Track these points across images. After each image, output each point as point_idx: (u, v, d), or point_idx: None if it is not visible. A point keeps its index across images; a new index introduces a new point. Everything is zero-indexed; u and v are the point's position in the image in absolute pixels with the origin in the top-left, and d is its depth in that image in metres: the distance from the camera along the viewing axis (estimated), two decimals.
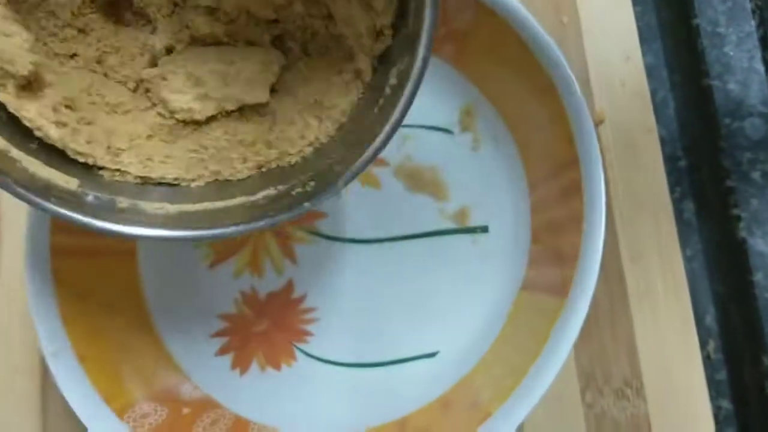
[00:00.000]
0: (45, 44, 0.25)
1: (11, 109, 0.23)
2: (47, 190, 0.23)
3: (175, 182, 0.26)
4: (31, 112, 0.23)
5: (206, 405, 0.33)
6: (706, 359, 0.35)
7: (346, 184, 0.23)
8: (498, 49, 0.33)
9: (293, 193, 0.24)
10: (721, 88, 0.35)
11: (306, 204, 0.23)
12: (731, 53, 0.36)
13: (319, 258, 0.36)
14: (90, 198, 0.24)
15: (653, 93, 0.38)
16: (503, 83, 0.34)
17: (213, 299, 0.36)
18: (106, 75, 0.27)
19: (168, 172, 0.26)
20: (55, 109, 0.24)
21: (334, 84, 0.26)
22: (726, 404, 0.35)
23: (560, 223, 0.31)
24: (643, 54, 0.38)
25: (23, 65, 0.23)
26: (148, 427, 0.31)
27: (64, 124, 0.24)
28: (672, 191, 0.37)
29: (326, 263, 0.36)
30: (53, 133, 0.24)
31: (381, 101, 0.24)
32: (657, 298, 0.35)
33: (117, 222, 0.23)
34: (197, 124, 0.27)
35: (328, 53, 0.27)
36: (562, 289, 0.29)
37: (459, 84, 0.35)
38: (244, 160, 0.26)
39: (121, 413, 0.31)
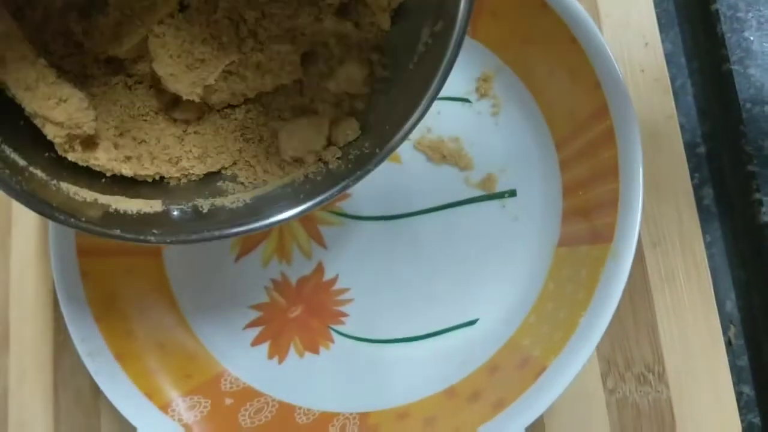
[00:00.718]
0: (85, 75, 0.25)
1: (81, 163, 0.24)
2: (144, 224, 0.24)
3: (234, 169, 0.26)
4: (101, 159, 0.24)
5: (248, 394, 0.34)
6: (728, 345, 0.35)
7: (384, 158, 0.22)
8: (515, 10, 0.33)
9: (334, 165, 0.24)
10: (741, 72, 0.35)
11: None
12: (751, 38, 0.36)
13: (348, 238, 0.36)
14: (175, 213, 0.25)
15: (672, 80, 0.38)
16: (521, 45, 0.34)
17: (243, 290, 0.36)
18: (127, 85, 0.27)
19: (225, 160, 0.26)
20: (116, 146, 0.25)
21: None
22: (748, 390, 0.35)
23: (593, 174, 0.31)
24: (662, 41, 0.38)
25: (89, 125, 0.23)
26: (193, 420, 0.32)
27: (129, 158, 0.25)
28: (691, 178, 0.37)
29: (355, 243, 0.36)
30: (126, 170, 0.24)
31: (411, 67, 0.23)
32: (678, 283, 0.35)
33: (215, 226, 0.23)
34: (231, 107, 0.27)
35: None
36: (605, 236, 0.29)
37: (475, 52, 0.36)
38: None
39: (164, 408, 0.32)
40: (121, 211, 0.23)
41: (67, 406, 0.37)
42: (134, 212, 0.24)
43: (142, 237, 0.22)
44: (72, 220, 0.21)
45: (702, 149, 0.38)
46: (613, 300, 0.28)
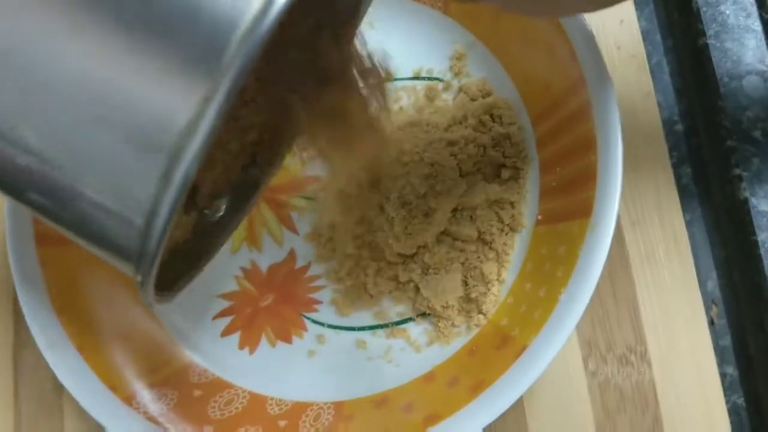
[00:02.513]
0: None
1: None
2: None
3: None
4: None
5: (218, 386, 0.32)
6: (710, 325, 0.34)
7: None
8: None
9: None
10: (718, 47, 0.35)
11: None
12: (727, 12, 0.35)
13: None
14: None
15: (647, 58, 0.37)
16: (495, 20, 0.34)
17: (212, 279, 0.35)
18: None
19: None
20: None
21: None
22: (731, 371, 0.35)
23: (571, 149, 0.30)
24: (637, 18, 0.37)
25: None
26: (159, 412, 0.30)
27: None
28: (669, 156, 0.36)
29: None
30: None
31: None
32: (659, 261, 0.34)
33: None
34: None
35: None
36: (584, 211, 0.28)
37: (447, 29, 0.35)
38: None
39: (129, 401, 0.30)
40: None
41: (29, 407, 0.36)
42: None
43: None
44: None
45: (679, 127, 0.37)
46: (593, 273, 0.27)
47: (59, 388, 0.36)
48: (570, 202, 0.30)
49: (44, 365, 0.30)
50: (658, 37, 0.38)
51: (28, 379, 0.36)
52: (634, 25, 0.37)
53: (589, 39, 0.29)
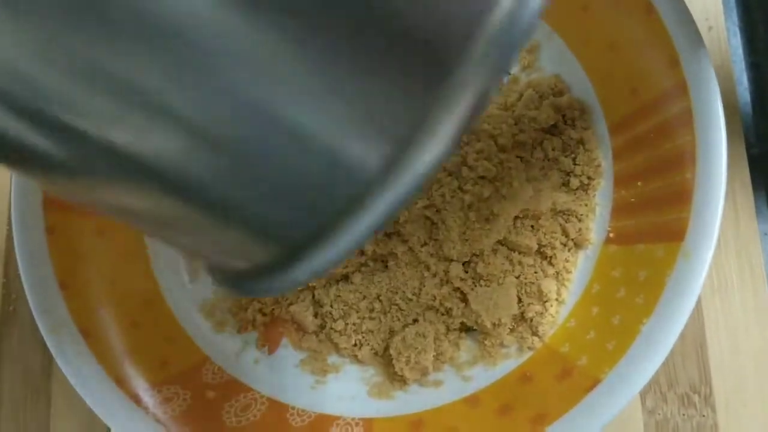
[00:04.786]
0: None
1: None
2: None
3: None
4: None
5: (234, 388, 0.29)
6: None
7: None
8: None
9: None
10: None
11: None
12: None
13: None
14: None
15: None
16: (578, 11, 0.30)
17: None
18: None
19: None
20: None
21: None
22: None
23: (659, 163, 0.27)
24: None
25: None
26: (171, 414, 0.26)
27: None
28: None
29: None
30: None
31: None
32: (731, 293, 0.31)
33: None
34: None
35: None
36: (673, 234, 0.25)
37: None
38: None
39: (135, 398, 0.26)
40: None
41: (13, 390, 0.32)
42: None
43: None
44: None
45: (755, 150, 0.34)
46: (686, 305, 0.24)
47: (48, 371, 0.32)
48: (653, 222, 0.27)
49: (32, 344, 0.27)
50: (740, 50, 0.35)
51: (13, 352, 0.32)
52: (723, 33, 0.34)
53: (696, 40, 0.26)
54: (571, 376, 0.26)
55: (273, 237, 0.15)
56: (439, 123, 0.13)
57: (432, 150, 0.13)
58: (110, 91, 0.12)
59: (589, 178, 0.30)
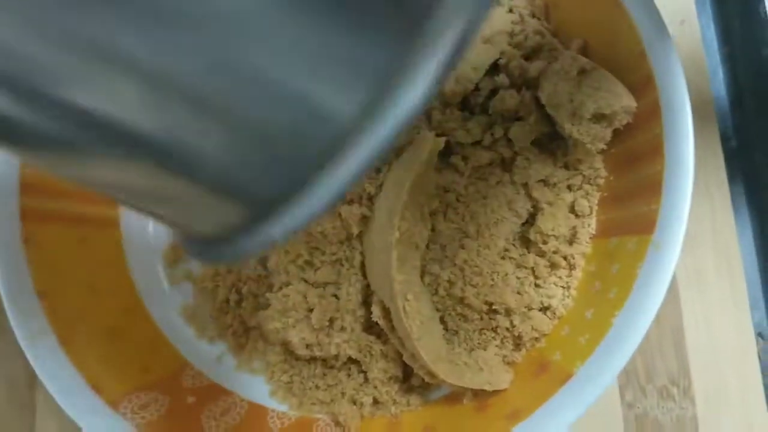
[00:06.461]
0: None
1: None
2: None
3: None
4: None
5: (214, 392, 0.29)
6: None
7: None
8: None
9: None
10: None
11: None
12: None
13: None
14: None
15: None
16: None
17: None
18: None
19: None
20: None
21: None
22: None
23: (629, 155, 0.27)
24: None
25: None
26: (148, 419, 0.26)
27: None
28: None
29: None
30: None
31: None
32: (709, 285, 0.31)
33: None
34: None
35: None
36: (644, 227, 0.25)
37: None
38: None
39: (114, 404, 0.26)
40: None
41: None
42: None
43: None
44: None
45: (733, 143, 0.34)
46: (656, 296, 0.24)
47: (32, 381, 0.32)
48: (625, 215, 0.27)
49: (16, 355, 0.27)
50: (716, 43, 0.35)
51: None
52: (695, 26, 0.34)
53: (662, 30, 0.26)
54: (547, 372, 0.26)
55: (244, 195, 0.14)
56: (417, 66, 0.12)
57: (409, 95, 0.12)
58: (79, 49, 0.11)
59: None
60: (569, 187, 0.29)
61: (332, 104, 0.12)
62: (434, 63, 0.12)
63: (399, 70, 0.12)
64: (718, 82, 0.35)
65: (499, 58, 0.28)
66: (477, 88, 0.28)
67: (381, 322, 0.27)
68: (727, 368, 0.30)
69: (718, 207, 0.32)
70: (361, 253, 0.29)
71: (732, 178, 0.34)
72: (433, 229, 0.28)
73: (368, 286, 0.28)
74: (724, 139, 0.34)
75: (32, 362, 0.26)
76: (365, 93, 0.12)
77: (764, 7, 0.33)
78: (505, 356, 0.28)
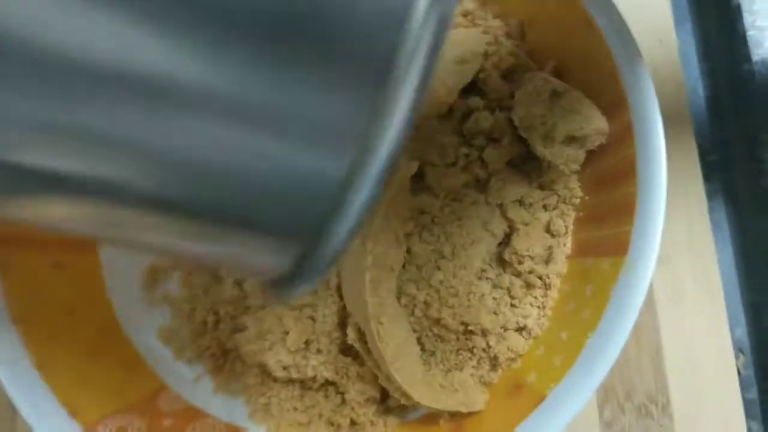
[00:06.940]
0: None
1: None
2: None
3: None
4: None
5: (192, 415, 0.29)
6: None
7: None
8: None
9: None
10: (764, 73, 0.32)
11: None
12: None
13: None
14: None
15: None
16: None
17: None
18: None
19: None
20: None
21: None
22: (756, 426, 0.32)
23: (603, 176, 0.27)
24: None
25: None
26: None
27: None
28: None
29: None
30: None
31: None
32: (687, 303, 0.31)
33: None
34: None
35: None
36: (618, 248, 0.25)
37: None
38: None
39: (91, 427, 0.26)
40: None
41: None
42: None
43: None
44: None
45: (714, 157, 0.34)
46: (628, 318, 0.24)
47: (15, 412, 0.32)
48: (599, 236, 0.27)
49: None
50: (695, 58, 0.35)
51: None
52: (673, 45, 0.34)
53: (634, 51, 0.26)
54: (522, 393, 0.26)
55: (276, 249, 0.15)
56: (386, 121, 0.13)
57: (389, 152, 0.13)
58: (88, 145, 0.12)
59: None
60: (545, 207, 0.29)
61: (321, 167, 0.13)
62: (402, 111, 0.13)
63: (373, 130, 0.13)
64: (698, 98, 0.35)
65: (474, 79, 0.28)
66: (450, 110, 0.28)
67: (357, 345, 0.27)
68: (706, 385, 0.30)
69: (696, 223, 0.32)
70: (338, 275, 0.29)
71: (711, 194, 0.34)
72: (408, 251, 0.28)
73: (344, 307, 0.28)
74: (704, 154, 0.34)
75: (6, 386, 0.26)
76: (350, 153, 0.13)
77: (743, 23, 0.33)
78: (481, 377, 0.28)
